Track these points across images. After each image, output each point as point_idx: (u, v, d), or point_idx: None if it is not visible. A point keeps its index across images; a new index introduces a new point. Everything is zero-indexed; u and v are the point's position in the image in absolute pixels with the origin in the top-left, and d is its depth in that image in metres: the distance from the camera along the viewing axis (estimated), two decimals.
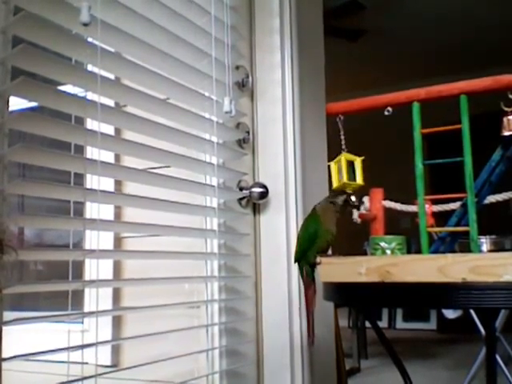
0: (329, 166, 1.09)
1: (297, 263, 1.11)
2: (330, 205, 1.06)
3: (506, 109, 0.95)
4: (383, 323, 6.00)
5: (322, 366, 1.47)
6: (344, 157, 1.06)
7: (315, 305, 1.11)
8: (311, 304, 1.09)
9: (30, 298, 1.60)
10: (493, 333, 2.08)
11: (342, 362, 2.19)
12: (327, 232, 1.05)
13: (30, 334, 1.42)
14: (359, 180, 1.06)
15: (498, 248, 1.13)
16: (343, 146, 1.08)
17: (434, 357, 4.46)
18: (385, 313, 6.11)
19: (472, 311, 3.11)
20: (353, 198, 1.06)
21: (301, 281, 1.39)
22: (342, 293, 1.01)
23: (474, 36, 5.07)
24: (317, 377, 1.42)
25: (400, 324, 6.04)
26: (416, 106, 0.99)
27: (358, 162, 1.05)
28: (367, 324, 4.30)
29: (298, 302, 1.40)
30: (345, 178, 1.05)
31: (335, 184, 1.07)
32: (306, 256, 1.05)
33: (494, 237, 1.14)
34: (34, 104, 1.22)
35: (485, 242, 1.14)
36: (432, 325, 5.86)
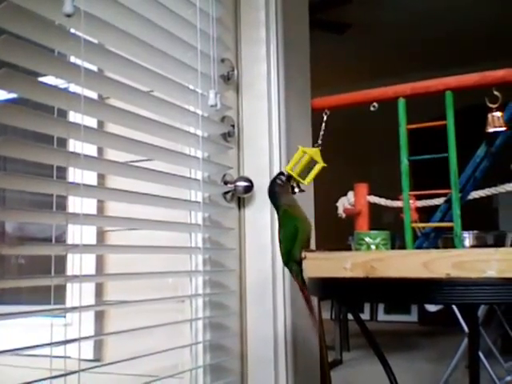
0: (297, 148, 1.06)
1: (286, 266, 1.09)
2: (284, 192, 1.05)
3: (490, 105, 0.95)
4: (365, 315, 6.05)
5: (305, 359, 1.48)
6: (311, 152, 1.03)
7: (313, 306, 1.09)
8: (311, 302, 1.07)
9: (12, 291, 1.58)
10: (476, 326, 2.10)
11: (325, 354, 2.20)
12: (304, 221, 1.04)
13: (11, 328, 1.41)
14: (306, 181, 1.03)
15: (480, 243, 1.14)
16: (319, 141, 1.06)
17: (416, 349, 4.51)
18: (367, 305, 6.17)
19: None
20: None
21: (286, 275, 1.40)
22: (327, 288, 1.01)
23: (460, 31, 5.10)
24: (300, 369, 1.43)
25: (382, 316, 6.10)
26: (402, 102, 0.99)
27: (317, 167, 1.02)
28: (349, 316, 4.34)
29: (282, 296, 1.40)
30: (296, 171, 1.03)
31: (288, 168, 1.04)
32: (291, 255, 1.03)
33: (476, 232, 1.15)
34: (13, 95, 1.20)
35: (468, 237, 1.15)
36: (413, 317, 5.94)
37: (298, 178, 1.02)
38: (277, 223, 1.40)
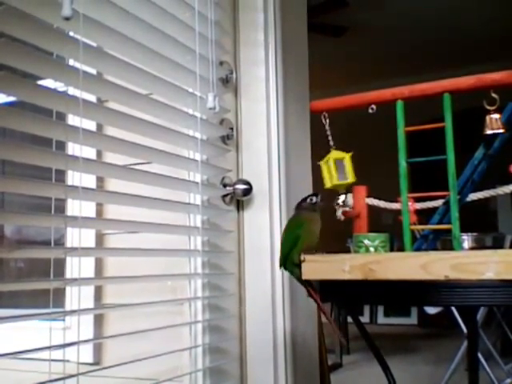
0: (319, 166, 1.09)
1: (283, 268, 1.09)
2: (310, 210, 1.07)
3: (488, 107, 0.96)
4: (365, 318, 6.05)
5: (304, 362, 1.48)
6: (332, 156, 1.05)
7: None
8: (320, 301, 1.07)
9: (11, 294, 1.58)
10: (475, 328, 2.11)
11: (325, 357, 2.20)
12: (311, 233, 1.04)
13: (10, 331, 1.40)
14: (350, 177, 1.05)
15: (479, 245, 1.14)
16: (331, 143, 1.07)
17: (415, 351, 4.51)
18: (366, 308, 6.16)
19: (453, 307, 3.14)
20: (342, 198, 1.07)
21: (285, 278, 1.40)
22: (326, 290, 1.01)
23: (460, 33, 5.11)
24: (300, 372, 1.43)
25: (381, 319, 6.09)
26: (400, 104, 0.99)
27: (346, 159, 1.04)
28: (349, 319, 4.33)
29: (281, 299, 1.40)
30: (334, 179, 1.05)
31: (327, 184, 1.07)
32: (289, 257, 1.04)
33: (475, 234, 1.14)
34: (12, 99, 1.20)
35: (466, 240, 1.15)
36: (413, 320, 5.93)
37: (342, 182, 1.05)
38: (276, 225, 1.41)
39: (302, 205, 1.09)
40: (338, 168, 1.06)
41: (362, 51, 5.56)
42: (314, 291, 1.05)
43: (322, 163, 1.07)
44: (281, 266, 1.08)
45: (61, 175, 1.05)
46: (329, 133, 1.07)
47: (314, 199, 1.07)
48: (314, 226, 1.05)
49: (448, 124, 0.94)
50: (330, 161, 1.05)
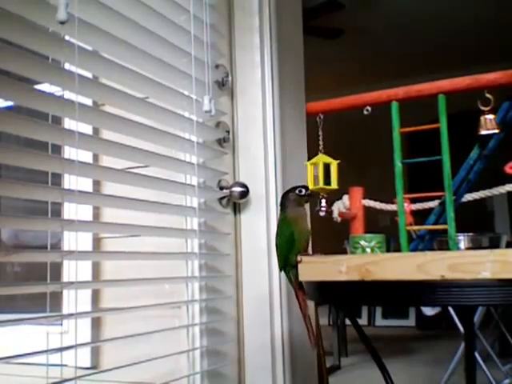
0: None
1: (283, 271, 1.09)
2: (296, 202, 1.06)
3: (483, 108, 0.96)
4: (363, 321, 6.04)
5: (303, 364, 1.48)
6: (321, 159, 1.06)
7: (308, 308, 1.09)
8: (306, 307, 1.08)
9: (8, 298, 1.57)
10: (472, 329, 2.11)
11: (323, 359, 2.20)
12: (302, 231, 1.04)
13: (7, 335, 1.40)
14: (334, 184, 1.05)
15: (475, 245, 1.14)
16: (321, 147, 1.08)
17: (413, 353, 4.51)
18: (364, 310, 6.16)
19: (450, 308, 3.15)
20: (322, 203, 1.07)
21: (282, 280, 1.40)
22: (323, 291, 1.01)
23: (458, 35, 5.12)
24: (298, 375, 1.43)
25: (379, 321, 6.09)
26: (395, 105, 0.99)
27: (333, 165, 1.05)
28: (347, 321, 4.33)
29: (278, 301, 1.40)
30: (321, 183, 1.05)
31: (311, 186, 1.07)
32: (288, 260, 1.04)
33: (471, 234, 1.15)
34: (9, 103, 1.20)
35: (462, 240, 1.15)
36: (411, 322, 5.93)
37: (326, 187, 1.05)
38: (273, 227, 1.41)
39: (289, 196, 1.07)
40: (325, 172, 1.06)
41: (358, 54, 5.57)
42: (304, 299, 1.06)
43: (308, 164, 1.07)
44: (281, 269, 1.08)
45: (57, 179, 1.05)
46: (321, 136, 1.07)
47: (304, 191, 1.05)
48: (304, 223, 1.05)
49: (443, 125, 0.95)
50: (319, 164, 1.05)
